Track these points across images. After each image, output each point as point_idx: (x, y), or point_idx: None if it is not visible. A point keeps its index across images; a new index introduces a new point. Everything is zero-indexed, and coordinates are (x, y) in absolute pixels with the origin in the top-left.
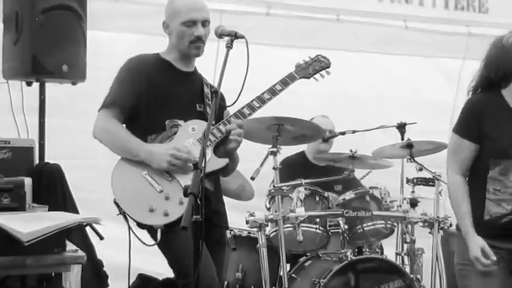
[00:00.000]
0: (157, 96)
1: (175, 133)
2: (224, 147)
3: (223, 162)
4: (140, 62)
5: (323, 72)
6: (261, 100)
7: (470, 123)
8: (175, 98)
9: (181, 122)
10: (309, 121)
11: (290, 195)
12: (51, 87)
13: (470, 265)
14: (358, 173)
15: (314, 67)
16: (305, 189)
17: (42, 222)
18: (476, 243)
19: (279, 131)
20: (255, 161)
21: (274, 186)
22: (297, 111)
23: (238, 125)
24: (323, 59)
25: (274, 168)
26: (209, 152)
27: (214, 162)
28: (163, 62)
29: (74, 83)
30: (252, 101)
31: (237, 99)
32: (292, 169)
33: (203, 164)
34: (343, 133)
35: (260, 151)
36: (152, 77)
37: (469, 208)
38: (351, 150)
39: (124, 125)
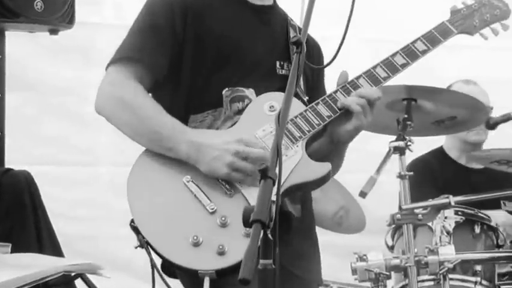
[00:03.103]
0: (213, 46)
1: (238, 112)
2: (332, 132)
3: (322, 169)
4: None
5: (496, 25)
6: (392, 67)
7: None
8: (242, 51)
9: (249, 91)
10: (464, 94)
11: (430, 224)
12: (15, 39)
13: None
14: None
15: (482, 16)
16: (456, 213)
17: (1, 272)
18: None
19: (409, 110)
20: (367, 168)
21: (400, 207)
22: (431, 75)
23: (361, 95)
24: (498, 3)
25: (400, 177)
26: (299, 150)
27: (306, 169)
28: None
29: (54, 32)
30: (375, 67)
31: (336, 55)
32: (433, 177)
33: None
34: None
35: (376, 147)
36: (204, 15)
37: None
38: None
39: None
